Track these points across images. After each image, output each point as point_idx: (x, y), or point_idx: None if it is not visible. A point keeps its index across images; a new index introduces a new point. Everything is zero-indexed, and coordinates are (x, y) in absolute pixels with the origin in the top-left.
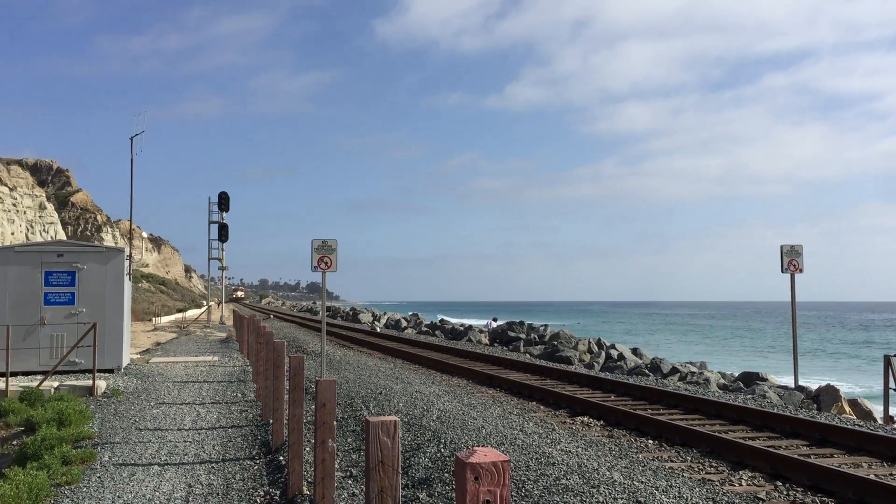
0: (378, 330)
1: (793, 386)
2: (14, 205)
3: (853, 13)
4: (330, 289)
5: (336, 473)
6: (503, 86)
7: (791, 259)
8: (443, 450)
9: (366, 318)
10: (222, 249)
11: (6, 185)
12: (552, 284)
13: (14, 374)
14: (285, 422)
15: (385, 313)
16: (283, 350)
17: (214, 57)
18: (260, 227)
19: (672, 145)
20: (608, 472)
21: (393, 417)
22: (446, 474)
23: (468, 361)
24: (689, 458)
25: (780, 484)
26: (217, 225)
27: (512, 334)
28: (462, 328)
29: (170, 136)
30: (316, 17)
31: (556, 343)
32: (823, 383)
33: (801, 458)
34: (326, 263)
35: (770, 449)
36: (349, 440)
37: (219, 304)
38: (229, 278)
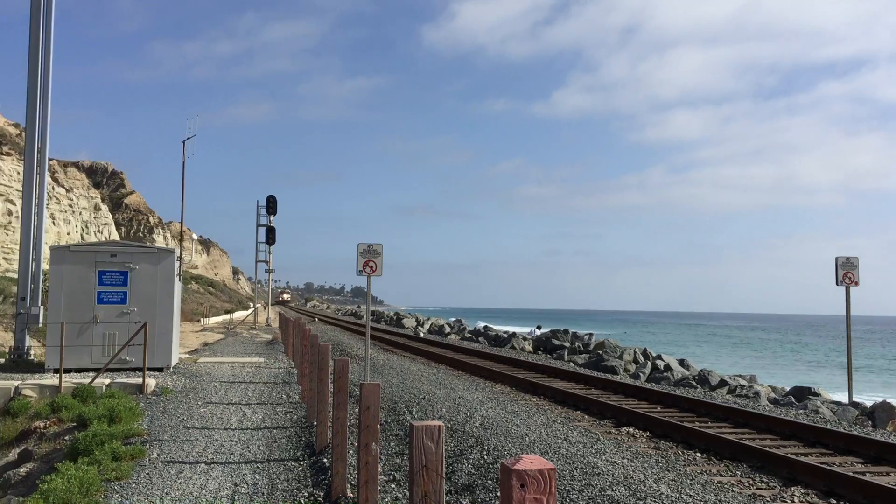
0: (421, 335)
1: (847, 402)
2: (70, 206)
3: None
4: (374, 293)
5: (379, 477)
6: (550, 92)
7: (846, 271)
8: (486, 456)
9: (409, 322)
10: (269, 252)
11: (63, 186)
12: (596, 293)
13: (67, 371)
14: (329, 424)
15: (428, 318)
16: (328, 353)
17: (264, 62)
18: (307, 231)
19: (722, 154)
20: (655, 485)
21: (437, 422)
22: (489, 481)
23: (512, 368)
24: (738, 473)
25: (834, 501)
26: (265, 228)
27: (556, 342)
28: (506, 335)
29: (220, 140)
30: (364, 23)
31: (600, 352)
32: (879, 399)
33: (856, 475)
34: (371, 267)
35: (824, 465)
36: (392, 444)
37: (265, 306)
38: (275, 281)
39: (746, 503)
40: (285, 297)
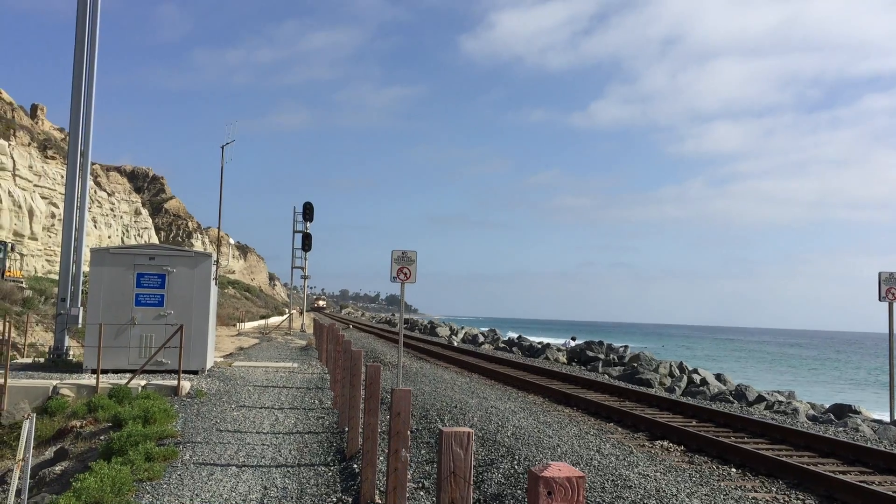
0: (455, 344)
1: (888, 420)
2: (112, 209)
3: None
4: (408, 301)
5: (409, 484)
6: (588, 103)
7: (890, 287)
8: (516, 466)
9: (443, 331)
10: (305, 258)
11: (105, 190)
12: (632, 305)
13: (104, 372)
14: (360, 430)
15: (462, 328)
16: (360, 359)
17: (304, 70)
18: (343, 238)
19: (763, 167)
20: (687, 499)
21: (466, 428)
22: (519, 491)
23: (545, 379)
24: (774, 490)
25: None
26: (301, 234)
27: (590, 354)
28: (539, 346)
29: (258, 147)
30: (403, 32)
31: (635, 365)
32: None
33: None
34: (406, 274)
35: (863, 484)
36: (423, 452)
37: (300, 312)
38: (311, 287)
39: None
40: (321, 303)
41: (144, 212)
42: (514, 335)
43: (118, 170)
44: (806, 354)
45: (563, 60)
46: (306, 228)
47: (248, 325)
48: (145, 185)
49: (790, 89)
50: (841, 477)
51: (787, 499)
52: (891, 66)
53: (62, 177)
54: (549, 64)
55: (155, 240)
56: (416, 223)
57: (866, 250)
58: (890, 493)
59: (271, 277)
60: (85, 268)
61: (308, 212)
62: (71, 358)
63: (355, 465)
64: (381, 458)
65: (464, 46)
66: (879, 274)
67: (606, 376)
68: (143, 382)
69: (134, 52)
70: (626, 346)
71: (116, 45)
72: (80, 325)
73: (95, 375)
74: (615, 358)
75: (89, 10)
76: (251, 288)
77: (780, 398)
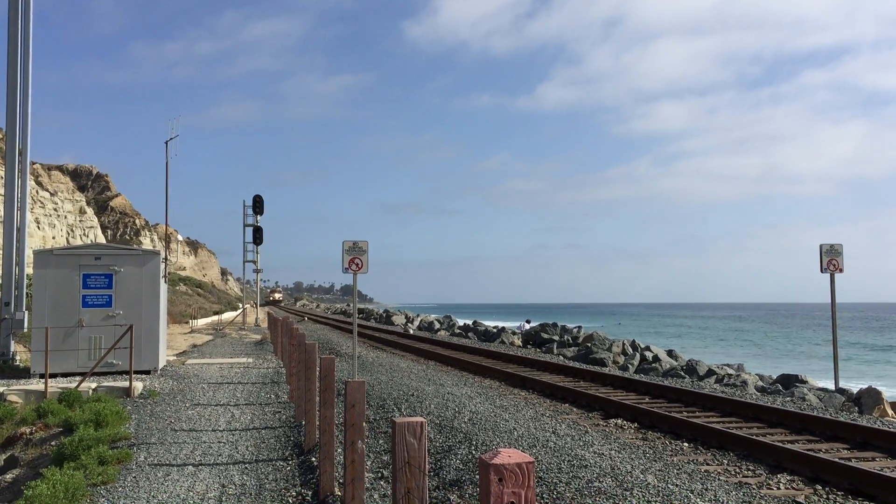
0: (411, 332)
1: (833, 388)
2: (55, 209)
3: (895, 7)
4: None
5: (367, 475)
6: (534, 86)
7: (831, 258)
8: (474, 451)
9: (399, 319)
10: (257, 252)
11: (47, 190)
12: (586, 286)
13: (53, 376)
14: (317, 423)
15: (418, 315)
16: (315, 351)
17: (247, 62)
18: (294, 230)
19: (707, 144)
20: (642, 475)
21: (419, 418)
22: (477, 476)
23: (501, 363)
24: (725, 462)
25: (820, 488)
26: (252, 228)
27: (545, 336)
28: (495, 330)
29: (205, 141)
30: (346, 19)
31: (589, 345)
32: (864, 385)
33: (842, 461)
34: (357, 265)
35: (809, 452)
36: (381, 442)
37: (254, 306)
38: (264, 281)
39: (732, 491)
40: (276, 296)
41: (89, 211)
42: (470, 321)
43: (60, 169)
44: (754, 327)
45: (508, 44)
46: (257, 222)
47: (202, 322)
48: (89, 183)
49: (731, 67)
50: (788, 446)
51: (737, 469)
52: (829, 42)
53: (0, 177)
54: (494, 48)
55: (102, 239)
56: (369, 212)
57: (809, 223)
58: (835, 459)
59: (224, 272)
60: (29, 270)
61: (258, 205)
62: (18, 363)
63: (314, 459)
64: (339, 451)
65: (408, 33)
66: (821, 246)
67: (561, 357)
68: (93, 385)
69: (69, 48)
70: (579, 327)
71: (51, 41)
72: (25, 330)
73: (44, 380)
74: (569, 339)
75: (21, 5)
76: (203, 284)
77: (730, 371)
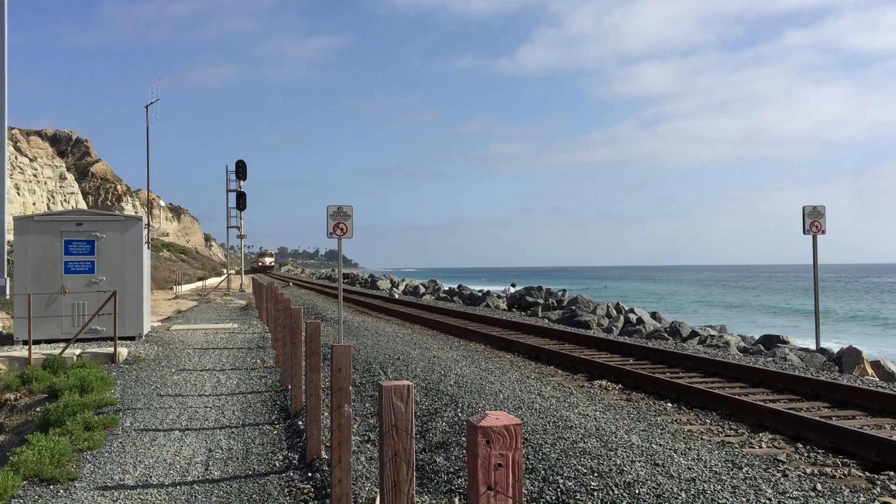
0: (396, 296)
1: (814, 348)
2: (35, 175)
3: None
4: (348, 256)
5: (354, 438)
6: (515, 48)
7: (813, 220)
8: (460, 414)
9: (384, 284)
10: (241, 218)
11: (26, 155)
12: (570, 249)
13: (37, 342)
14: (303, 387)
15: (403, 280)
16: (300, 316)
17: (222, 23)
18: (278, 195)
19: (690, 107)
20: (626, 436)
21: (406, 382)
22: (463, 438)
23: (486, 327)
24: (708, 421)
25: (801, 446)
26: (235, 193)
27: (530, 299)
28: (480, 294)
29: (185, 105)
30: None
31: (574, 308)
32: (846, 345)
33: (823, 419)
34: (342, 230)
35: (791, 411)
36: (367, 405)
37: (238, 273)
38: (249, 246)
39: (715, 450)
40: (267, 260)
41: (70, 176)
42: (455, 285)
43: (39, 134)
44: (737, 287)
45: (488, 5)
46: (240, 187)
47: (186, 288)
48: (69, 148)
49: (714, 28)
50: (770, 405)
51: (720, 429)
52: (812, 2)
53: None
54: (474, 9)
55: (83, 205)
56: (352, 176)
57: (792, 184)
58: (816, 418)
59: (207, 238)
60: (9, 237)
61: (241, 170)
62: (1, 330)
63: (300, 423)
64: (326, 415)
65: None
66: (804, 208)
67: (546, 320)
68: (77, 351)
69: (37, 6)
70: (564, 290)
71: (20, 2)
72: (7, 297)
73: (27, 346)
74: (554, 302)
75: None
76: (187, 250)
77: (713, 332)
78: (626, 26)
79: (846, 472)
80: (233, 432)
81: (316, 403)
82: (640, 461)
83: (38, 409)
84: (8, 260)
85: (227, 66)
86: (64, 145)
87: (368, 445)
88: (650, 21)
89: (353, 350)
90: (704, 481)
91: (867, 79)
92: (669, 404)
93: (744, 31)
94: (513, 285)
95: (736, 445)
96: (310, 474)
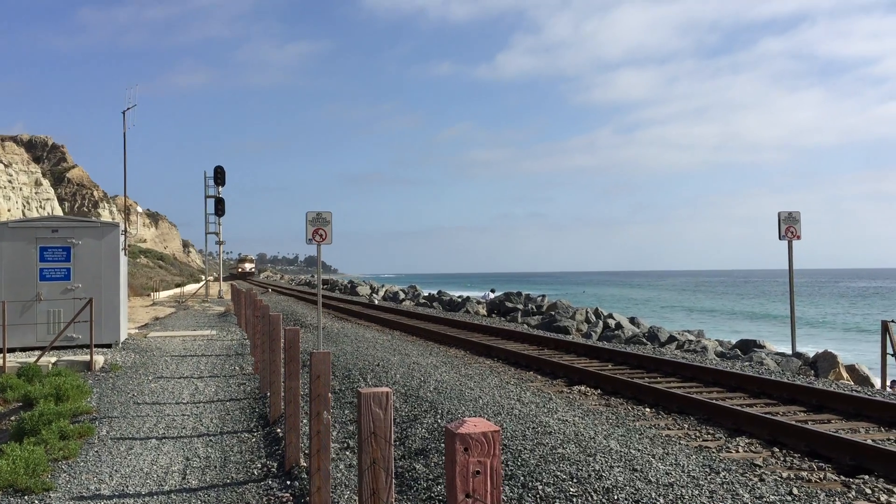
0: (376, 302)
1: (790, 353)
2: (10, 181)
3: None
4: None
5: (333, 445)
6: (494, 54)
7: (789, 226)
8: (439, 420)
9: (364, 290)
10: (219, 224)
11: (1, 161)
12: (549, 255)
13: (11, 350)
14: (282, 394)
15: (383, 286)
16: (279, 323)
17: (200, 28)
18: (257, 201)
19: (667, 113)
20: (605, 441)
21: (385, 388)
22: (442, 445)
23: (466, 332)
24: (685, 426)
25: (778, 450)
26: (213, 199)
27: (509, 305)
28: (460, 300)
29: (164, 111)
30: None
31: (553, 313)
32: (821, 349)
33: (799, 424)
34: (321, 236)
35: (767, 415)
36: (347, 412)
37: (216, 279)
38: (227, 252)
39: (693, 455)
40: (247, 266)
41: (46, 182)
42: (434, 291)
43: (14, 139)
44: (714, 293)
45: (467, 11)
46: (218, 193)
47: (164, 295)
48: (45, 154)
49: (690, 35)
50: (747, 410)
51: (697, 434)
52: (787, 10)
53: None
54: (453, 15)
55: (59, 211)
56: (331, 182)
57: (768, 190)
58: (792, 422)
59: (185, 245)
60: None
61: (219, 176)
62: None
63: (279, 430)
64: (305, 422)
65: None
66: (779, 214)
67: (525, 326)
68: (53, 359)
69: (15, 13)
70: (543, 296)
71: None
72: None
73: (1, 355)
74: (533, 308)
75: None
76: (165, 256)
77: (690, 337)
78: (603, 33)
79: (822, 476)
80: (211, 440)
81: (295, 410)
82: (618, 466)
83: (12, 418)
84: None
85: (205, 71)
86: (40, 151)
87: (348, 453)
88: (627, 28)
89: (333, 356)
90: (682, 486)
91: (841, 85)
92: (648, 409)
93: (720, 39)
94: (492, 291)
95: (713, 450)
96: (288, 482)
